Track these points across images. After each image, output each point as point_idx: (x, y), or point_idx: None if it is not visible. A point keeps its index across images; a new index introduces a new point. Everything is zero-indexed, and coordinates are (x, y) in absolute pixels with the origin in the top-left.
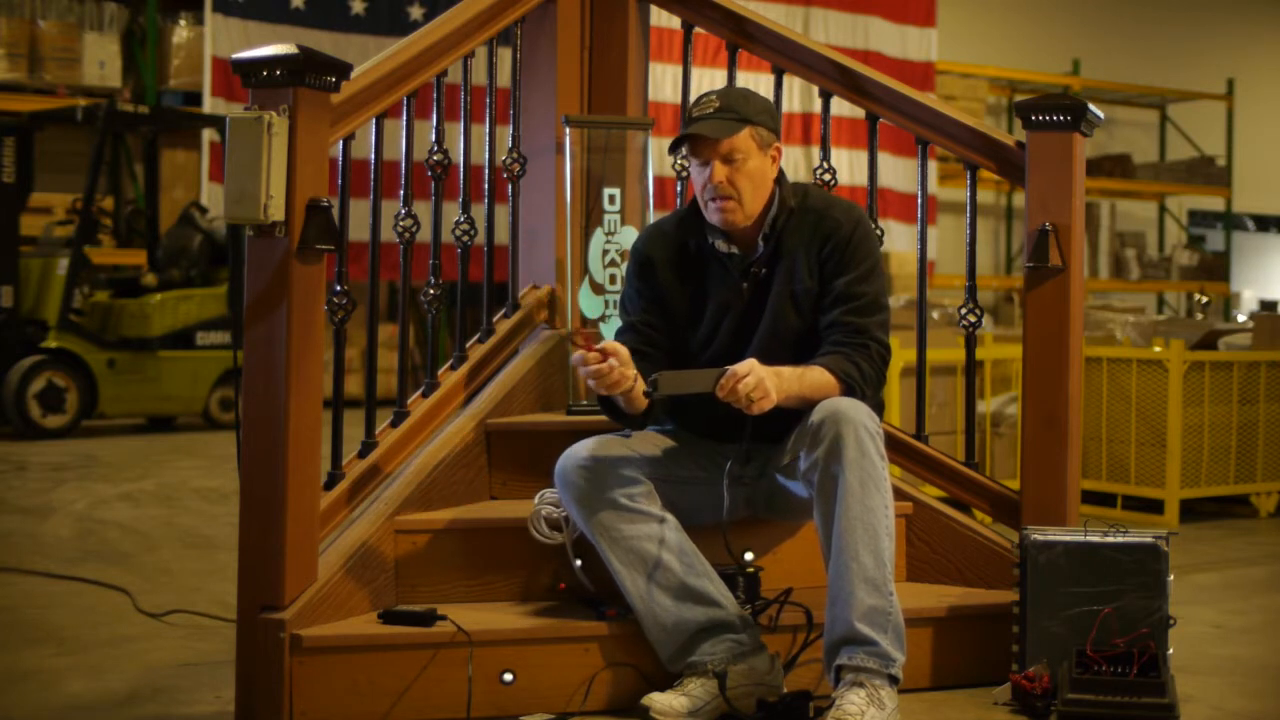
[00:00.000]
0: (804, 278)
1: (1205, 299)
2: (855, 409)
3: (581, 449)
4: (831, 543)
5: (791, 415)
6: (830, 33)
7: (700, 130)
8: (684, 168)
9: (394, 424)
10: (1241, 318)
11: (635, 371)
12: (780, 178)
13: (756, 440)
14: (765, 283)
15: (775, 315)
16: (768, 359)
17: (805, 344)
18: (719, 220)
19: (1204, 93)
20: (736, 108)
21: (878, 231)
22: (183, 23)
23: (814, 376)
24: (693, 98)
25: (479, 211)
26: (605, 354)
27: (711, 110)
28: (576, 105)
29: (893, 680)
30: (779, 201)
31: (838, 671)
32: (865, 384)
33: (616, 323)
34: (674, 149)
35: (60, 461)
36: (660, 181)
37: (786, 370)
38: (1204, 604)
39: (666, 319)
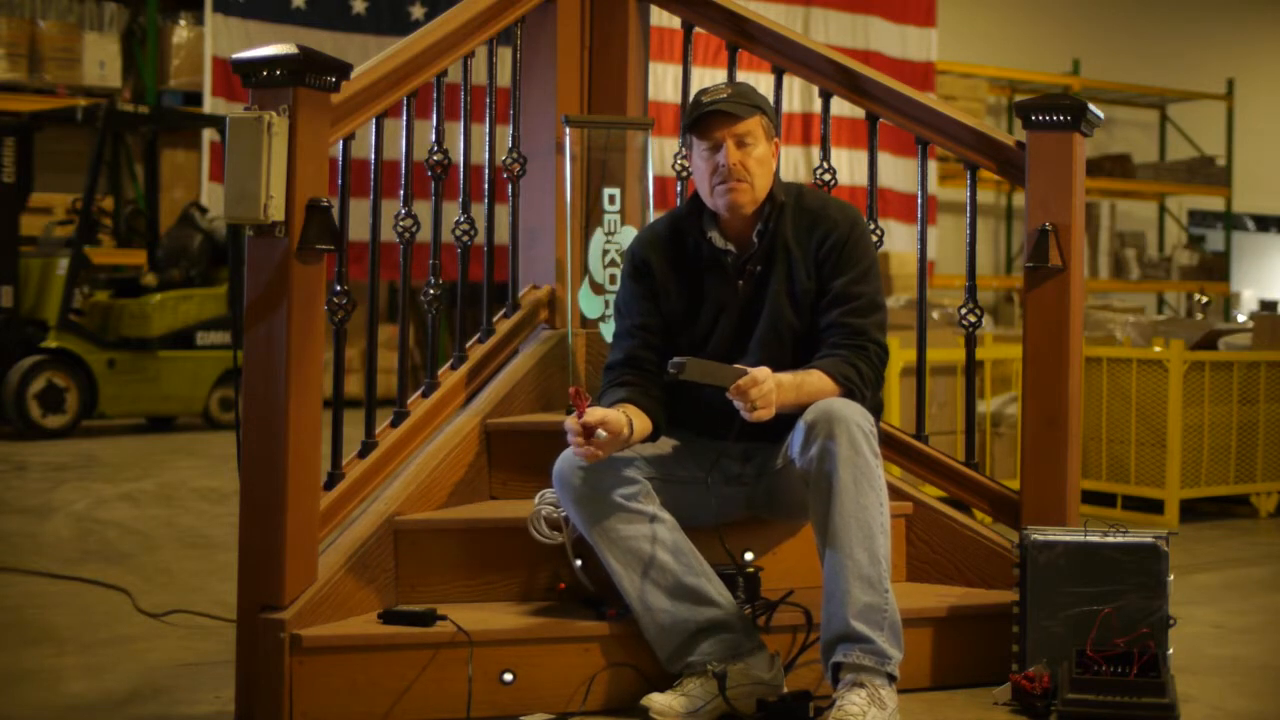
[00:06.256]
0: (802, 278)
1: (1205, 299)
2: (848, 408)
3: None
4: (826, 541)
5: (790, 416)
6: (830, 33)
7: (722, 107)
8: (685, 168)
9: (394, 424)
10: (1241, 318)
11: (628, 429)
12: (774, 174)
13: (755, 439)
14: (761, 280)
15: (774, 315)
16: (768, 358)
17: (804, 344)
18: (727, 203)
19: (1204, 93)
20: (748, 95)
21: (877, 231)
22: (183, 23)
23: (813, 383)
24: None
25: (479, 211)
26: (591, 429)
27: (725, 96)
28: (576, 105)
29: (890, 678)
30: (772, 197)
31: (835, 669)
32: (864, 386)
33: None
34: (688, 130)
35: (60, 461)
36: (660, 181)
37: (786, 378)
38: (1204, 604)
39: (664, 319)
